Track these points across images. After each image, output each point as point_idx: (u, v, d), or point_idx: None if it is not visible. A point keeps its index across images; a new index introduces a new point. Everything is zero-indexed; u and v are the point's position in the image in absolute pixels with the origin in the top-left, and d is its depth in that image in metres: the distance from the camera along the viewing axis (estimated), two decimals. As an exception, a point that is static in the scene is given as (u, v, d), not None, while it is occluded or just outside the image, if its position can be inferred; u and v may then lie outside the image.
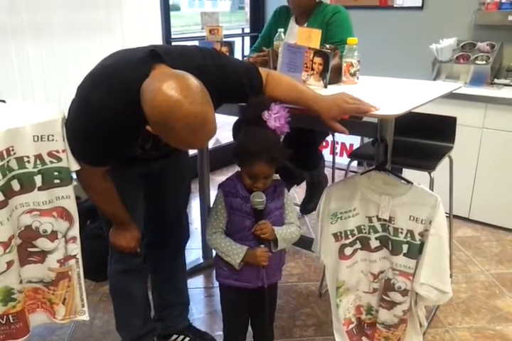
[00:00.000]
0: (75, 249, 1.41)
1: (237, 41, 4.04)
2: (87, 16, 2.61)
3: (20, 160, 1.27)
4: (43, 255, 1.38)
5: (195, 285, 2.27)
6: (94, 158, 1.30)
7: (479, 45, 2.89)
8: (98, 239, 1.93)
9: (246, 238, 1.44)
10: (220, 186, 1.48)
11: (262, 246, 1.43)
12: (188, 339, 1.83)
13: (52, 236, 1.36)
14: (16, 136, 1.24)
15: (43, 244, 1.36)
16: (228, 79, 1.31)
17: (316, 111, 1.39)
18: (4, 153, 1.22)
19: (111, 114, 1.18)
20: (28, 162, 1.28)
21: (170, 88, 1.06)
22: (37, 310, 1.45)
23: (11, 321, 1.35)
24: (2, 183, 1.23)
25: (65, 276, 1.41)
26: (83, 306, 1.47)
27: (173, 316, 1.83)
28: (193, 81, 1.11)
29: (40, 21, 2.39)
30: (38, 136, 1.27)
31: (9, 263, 1.28)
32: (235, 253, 1.43)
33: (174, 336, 1.83)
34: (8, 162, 1.24)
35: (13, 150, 1.25)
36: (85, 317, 1.48)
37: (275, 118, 1.37)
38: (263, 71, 1.42)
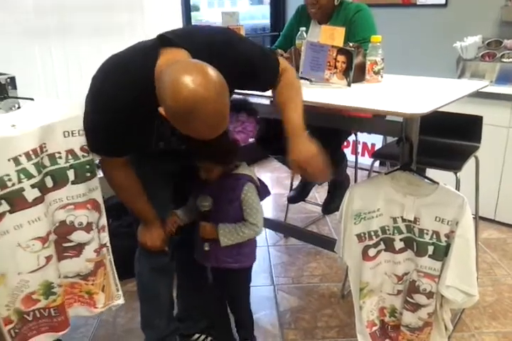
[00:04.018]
0: (105, 237, 1.46)
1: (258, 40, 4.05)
2: (109, 17, 2.64)
3: (52, 157, 1.31)
4: (79, 248, 1.41)
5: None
6: (108, 148, 1.31)
7: (506, 43, 2.81)
8: (121, 237, 1.95)
9: None
10: None
11: (207, 243, 1.51)
12: (210, 339, 1.83)
13: (88, 227, 1.41)
14: (47, 133, 1.28)
15: (78, 237, 1.40)
16: (240, 58, 1.27)
17: (289, 140, 1.32)
18: (38, 150, 1.26)
19: (122, 104, 1.19)
20: (60, 158, 1.32)
21: (195, 83, 1.05)
22: (74, 305, 1.49)
23: (53, 314, 1.39)
24: (37, 180, 1.26)
25: (101, 264, 1.47)
26: (118, 290, 1.53)
27: (195, 318, 1.83)
28: (213, 73, 1.09)
29: (63, 23, 2.43)
30: (68, 132, 1.31)
31: (48, 258, 1.33)
32: None
33: (196, 335, 1.83)
34: (41, 159, 1.28)
35: (45, 147, 1.28)
36: (121, 300, 1.54)
37: (237, 131, 1.40)
38: (283, 61, 1.38)
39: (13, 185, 1.22)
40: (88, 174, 1.37)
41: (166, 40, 1.20)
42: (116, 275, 1.51)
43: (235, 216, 1.51)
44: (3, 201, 1.20)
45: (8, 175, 1.20)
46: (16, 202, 1.23)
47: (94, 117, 1.26)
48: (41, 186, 1.28)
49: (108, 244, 1.47)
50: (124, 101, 1.18)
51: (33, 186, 1.25)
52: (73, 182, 1.35)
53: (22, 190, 1.23)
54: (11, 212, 1.23)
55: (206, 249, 1.51)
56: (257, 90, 1.47)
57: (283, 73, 1.39)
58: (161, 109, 1.12)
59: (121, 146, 1.29)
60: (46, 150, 1.29)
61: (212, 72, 1.09)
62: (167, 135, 1.35)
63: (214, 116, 1.08)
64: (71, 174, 1.34)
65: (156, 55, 1.17)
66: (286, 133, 1.32)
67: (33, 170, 1.25)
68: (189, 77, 1.05)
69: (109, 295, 1.50)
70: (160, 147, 1.38)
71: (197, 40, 1.24)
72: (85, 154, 1.35)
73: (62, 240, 1.38)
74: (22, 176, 1.23)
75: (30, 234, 1.27)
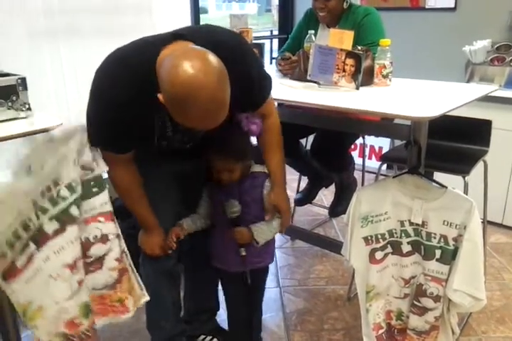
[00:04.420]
0: (122, 243, 1.46)
1: (266, 43, 4.05)
2: (118, 20, 2.66)
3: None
4: (100, 260, 1.41)
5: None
6: (106, 140, 1.29)
7: (515, 47, 2.81)
8: (127, 238, 1.96)
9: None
10: None
11: (243, 249, 1.49)
12: (215, 339, 1.83)
13: (103, 238, 1.39)
14: (56, 168, 1.27)
15: (96, 250, 1.39)
16: (241, 71, 1.23)
17: (273, 184, 1.50)
18: (51, 186, 1.25)
19: (123, 97, 1.17)
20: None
21: (194, 68, 1.03)
22: (109, 315, 1.49)
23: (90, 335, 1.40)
24: (54, 212, 1.26)
25: (125, 270, 1.46)
26: (142, 289, 1.52)
27: (202, 320, 1.84)
28: (214, 60, 1.08)
29: (72, 25, 2.44)
30: None
31: (80, 282, 1.33)
32: None
33: (202, 336, 1.84)
34: (54, 192, 1.27)
35: (57, 181, 1.27)
36: (147, 297, 1.52)
37: (251, 123, 1.40)
38: (271, 99, 1.43)
39: (34, 225, 1.23)
40: (95, 189, 1.35)
41: (178, 36, 1.19)
42: (137, 275, 1.51)
43: (259, 214, 1.51)
44: (30, 242, 1.22)
45: (29, 217, 1.21)
46: (41, 239, 1.24)
47: (94, 108, 1.26)
48: (58, 217, 1.28)
49: (125, 250, 1.46)
50: (125, 94, 1.17)
51: (50, 219, 1.26)
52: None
53: (42, 225, 1.24)
54: (38, 249, 1.24)
55: (243, 254, 1.49)
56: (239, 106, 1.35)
57: (270, 114, 1.44)
58: (159, 96, 1.10)
59: (119, 140, 1.27)
60: (61, 183, 1.28)
61: (212, 58, 1.07)
62: (168, 132, 1.33)
63: (212, 102, 1.05)
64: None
65: (159, 49, 1.16)
66: (271, 182, 1.50)
67: (47, 205, 1.25)
68: (188, 63, 1.03)
69: (136, 296, 1.51)
70: (163, 147, 1.37)
71: (206, 37, 1.22)
72: (87, 172, 1.33)
73: (83, 258, 1.38)
74: (39, 213, 1.24)
75: (58, 263, 1.28)
